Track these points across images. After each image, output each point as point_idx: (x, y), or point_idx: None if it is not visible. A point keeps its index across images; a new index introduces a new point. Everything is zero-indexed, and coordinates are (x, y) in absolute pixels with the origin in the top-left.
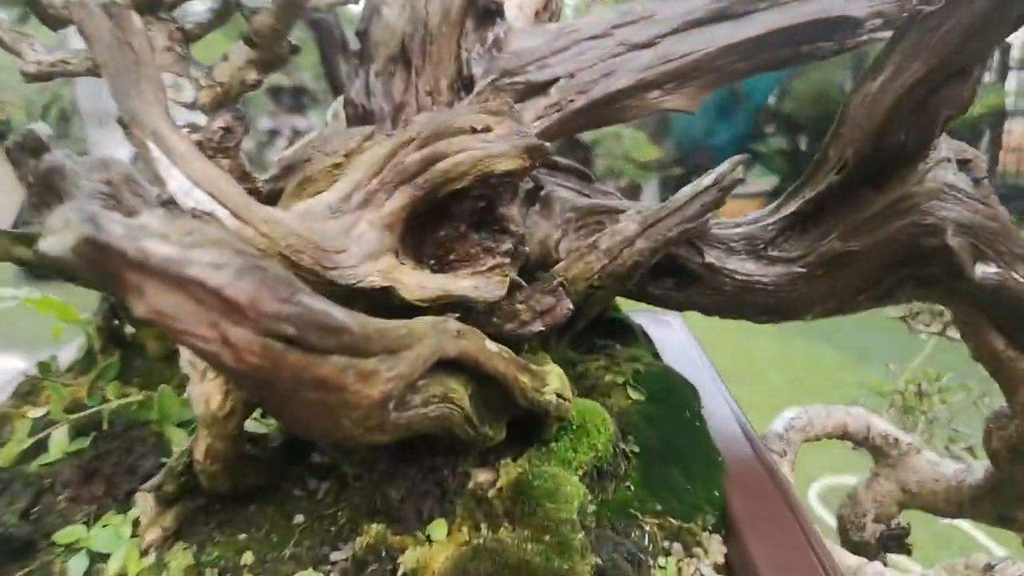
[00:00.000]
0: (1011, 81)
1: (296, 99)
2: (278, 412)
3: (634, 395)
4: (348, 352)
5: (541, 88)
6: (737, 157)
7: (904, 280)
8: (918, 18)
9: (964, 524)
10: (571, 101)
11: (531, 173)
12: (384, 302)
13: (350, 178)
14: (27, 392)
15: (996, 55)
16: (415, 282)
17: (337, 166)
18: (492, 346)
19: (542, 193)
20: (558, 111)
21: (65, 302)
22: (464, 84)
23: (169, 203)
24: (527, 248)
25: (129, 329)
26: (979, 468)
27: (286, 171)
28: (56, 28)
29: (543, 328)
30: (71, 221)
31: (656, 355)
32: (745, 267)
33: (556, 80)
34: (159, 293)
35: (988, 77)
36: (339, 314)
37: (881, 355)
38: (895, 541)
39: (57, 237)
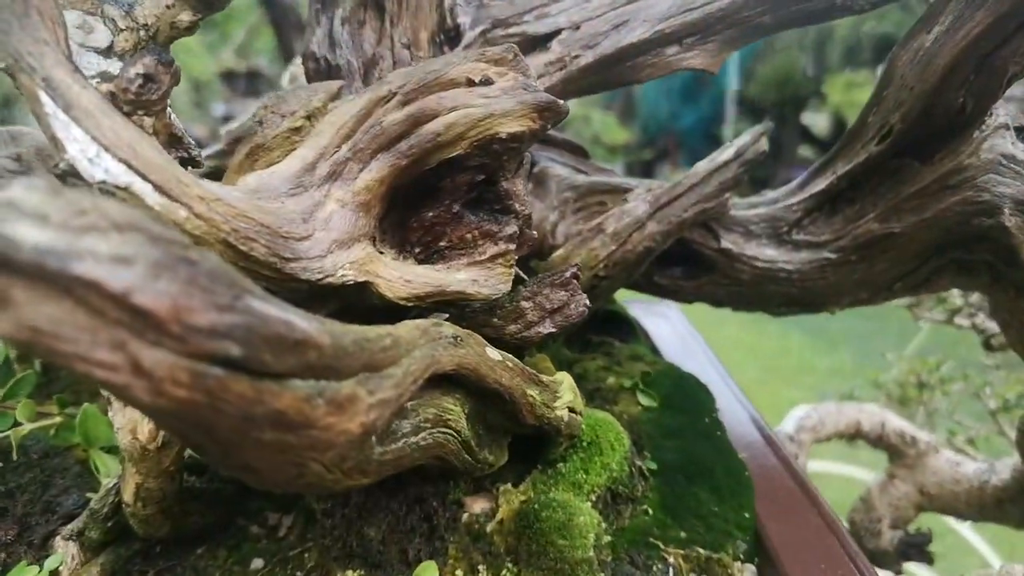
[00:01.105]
0: None
1: (251, 84)
2: (220, 460)
3: (645, 401)
4: (315, 374)
5: (541, 42)
6: (759, 127)
7: (946, 266)
8: None
9: (963, 529)
10: (576, 57)
11: (540, 138)
12: (359, 302)
13: (314, 144)
14: None
15: None
16: (398, 276)
17: (296, 130)
18: (494, 354)
19: (535, 170)
20: (561, 69)
21: None
22: (449, 36)
23: (69, 174)
24: (534, 232)
25: None
26: (1003, 469)
27: (235, 144)
28: None
29: (554, 329)
30: None
31: (655, 351)
32: (766, 253)
33: (558, 32)
34: (33, 301)
35: None
36: (303, 323)
37: (853, 340)
38: (916, 549)
39: None
